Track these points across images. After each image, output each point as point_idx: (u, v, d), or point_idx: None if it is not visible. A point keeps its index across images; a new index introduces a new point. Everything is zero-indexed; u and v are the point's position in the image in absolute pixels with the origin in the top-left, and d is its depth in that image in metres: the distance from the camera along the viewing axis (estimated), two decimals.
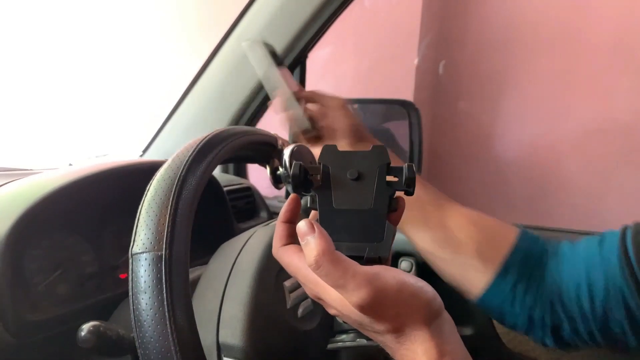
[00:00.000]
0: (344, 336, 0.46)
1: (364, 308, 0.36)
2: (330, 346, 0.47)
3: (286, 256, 0.42)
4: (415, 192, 0.43)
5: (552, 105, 1.86)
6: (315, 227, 0.37)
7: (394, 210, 0.42)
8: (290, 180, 0.70)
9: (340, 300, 0.38)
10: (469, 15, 2.00)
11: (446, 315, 0.40)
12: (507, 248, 0.62)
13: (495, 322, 1.05)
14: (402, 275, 0.38)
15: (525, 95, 1.91)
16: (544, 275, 0.60)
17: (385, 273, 0.37)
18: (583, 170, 1.78)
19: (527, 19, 1.87)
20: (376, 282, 0.36)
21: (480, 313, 1.05)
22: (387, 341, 0.39)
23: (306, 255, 0.37)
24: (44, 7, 1.85)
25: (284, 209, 0.45)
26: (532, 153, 1.91)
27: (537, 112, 1.89)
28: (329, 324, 0.67)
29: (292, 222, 0.45)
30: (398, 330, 0.38)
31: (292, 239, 0.44)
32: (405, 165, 0.43)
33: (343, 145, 0.72)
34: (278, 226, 0.45)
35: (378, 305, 0.36)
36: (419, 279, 0.39)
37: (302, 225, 0.38)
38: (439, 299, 0.39)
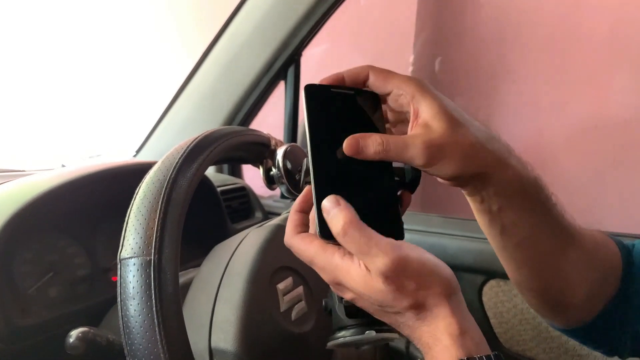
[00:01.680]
0: (343, 332, 0.45)
1: (387, 276, 0.37)
2: (330, 344, 0.46)
3: (303, 243, 0.42)
4: (537, 224, 0.47)
5: (548, 101, 1.85)
6: (340, 200, 0.39)
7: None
8: (284, 180, 0.69)
9: (362, 278, 0.38)
10: (464, 12, 1.99)
11: (461, 296, 0.40)
12: (616, 284, 0.54)
13: (492, 321, 1.04)
14: (421, 250, 0.39)
15: (521, 92, 1.91)
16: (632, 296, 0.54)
17: (408, 245, 0.38)
18: (579, 166, 1.78)
19: (522, 15, 1.86)
20: (400, 251, 0.37)
21: (478, 313, 1.05)
22: (407, 320, 0.39)
23: (333, 226, 0.38)
24: (35, 7, 1.83)
25: (299, 199, 0.45)
26: (527, 149, 1.90)
27: (533, 109, 1.89)
28: (324, 327, 0.66)
29: (306, 212, 0.45)
30: (419, 306, 0.38)
31: (306, 227, 0.44)
32: (408, 167, 0.43)
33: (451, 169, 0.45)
34: (293, 215, 0.44)
35: (402, 273, 0.37)
36: (436, 257, 0.40)
37: (326, 201, 0.39)
38: (455, 279, 0.39)
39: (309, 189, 0.44)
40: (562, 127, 1.82)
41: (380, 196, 0.42)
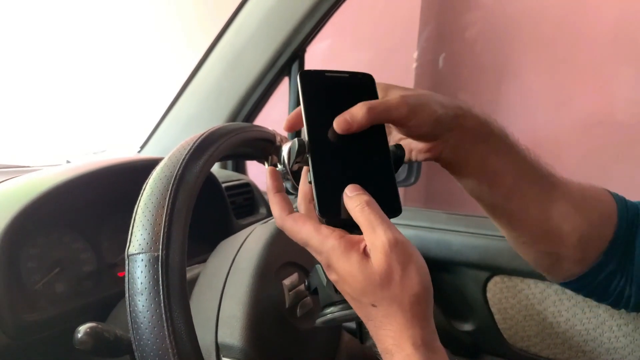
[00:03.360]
0: (332, 308, 0.46)
1: (390, 250, 0.39)
2: (319, 321, 0.47)
3: (296, 225, 0.43)
4: (517, 171, 0.52)
5: (552, 97, 1.85)
6: (361, 188, 0.42)
7: None
8: (289, 177, 0.70)
9: (357, 260, 0.40)
10: (468, 8, 1.98)
11: (431, 300, 0.41)
12: (609, 236, 0.56)
13: (496, 317, 1.04)
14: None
15: (525, 88, 1.90)
16: (634, 253, 0.56)
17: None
18: (583, 162, 1.78)
19: (526, 10, 1.86)
20: (403, 238, 0.40)
21: (482, 309, 1.05)
22: (377, 316, 0.40)
23: (352, 202, 0.41)
24: (41, 3, 1.83)
25: (271, 181, 0.46)
26: (531, 145, 1.90)
27: (537, 105, 1.88)
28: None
29: (282, 191, 0.46)
30: (393, 302, 0.39)
31: (291, 207, 0.45)
32: (394, 145, 0.45)
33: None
34: (275, 197, 0.46)
35: (399, 253, 0.39)
36: (421, 257, 0.41)
37: (350, 187, 0.42)
38: (429, 283, 0.41)
39: (271, 170, 0.46)
40: (566, 123, 1.82)
41: (377, 174, 0.44)
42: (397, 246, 0.39)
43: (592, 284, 0.58)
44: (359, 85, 0.46)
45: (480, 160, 0.52)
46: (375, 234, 0.39)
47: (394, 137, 0.53)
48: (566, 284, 0.60)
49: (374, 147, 0.44)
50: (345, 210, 0.41)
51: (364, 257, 0.40)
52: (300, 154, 0.43)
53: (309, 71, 0.45)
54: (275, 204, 0.45)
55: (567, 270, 0.58)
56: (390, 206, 0.42)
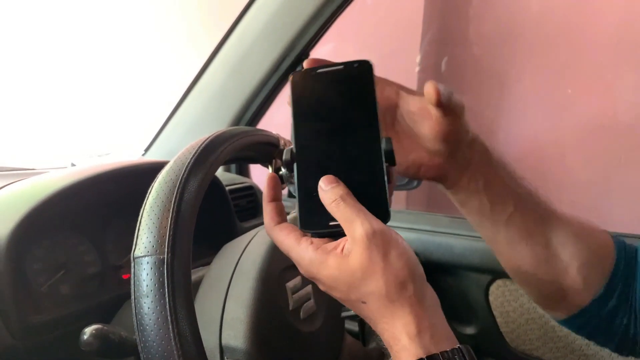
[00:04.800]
0: None
1: (369, 240, 0.38)
2: (344, 314, 0.47)
3: (282, 235, 0.44)
4: (517, 198, 0.52)
5: (554, 101, 1.85)
6: (337, 181, 0.41)
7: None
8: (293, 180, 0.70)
9: (336, 263, 0.39)
10: (471, 12, 1.99)
11: (429, 290, 0.41)
12: (609, 268, 0.55)
13: (498, 321, 1.04)
14: (401, 237, 0.41)
15: (528, 92, 1.90)
16: (636, 289, 0.56)
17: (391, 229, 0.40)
18: (585, 166, 1.77)
19: (529, 14, 1.86)
20: (384, 226, 0.40)
21: (483, 312, 1.05)
22: (370, 312, 0.40)
23: (327, 197, 0.40)
24: (46, 4, 1.84)
25: (267, 189, 0.46)
26: (534, 149, 1.90)
27: (540, 109, 1.88)
28: (332, 325, 0.67)
29: (277, 199, 0.46)
30: (383, 296, 0.38)
31: (282, 217, 0.45)
32: (383, 139, 0.42)
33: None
34: (267, 206, 0.46)
35: (379, 242, 0.38)
36: (409, 246, 0.41)
37: (324, 180, 0.41)
38: (419, 267, 0.40)
39: (271, 177, 0.46)
40: (569, 127, 1.82)
41: (368, 178, 0.42)
42: (375, 236, 0.38)
43: (595, 319, 0.56)
44: (354, 77, 0.44)
45: (484, 185, 0.53)
46: (353, 227, 0.39)
47: (407, 146, 0.53)
48: (569, 321, 0.59)
49: (366, 151, 0.42)
50: (332, 217, 0.41)
51: (342, 258, 0.39)
52: (288, 165, 0.43)
53: (299, 72, 0.44)
54: (266, 213, 0.46)
55: (570, 301, 0.57)
56: (376, 212, 0.40)
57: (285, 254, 0.44)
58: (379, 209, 0.41)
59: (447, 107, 0.46)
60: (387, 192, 0.41)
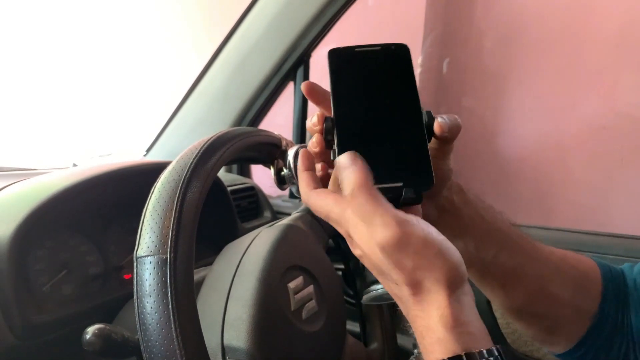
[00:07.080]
0: (379, 286, 0.45)
1: (385, 248, 0.36)
2: (365, 297, 0.46)
3: (319, 199, 0.42)
4: (503, 237, 0.50)
5: (556, 102, 1.85)
6: (357, 159, 0.39)
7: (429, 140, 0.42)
8: (295, 181, 0.70)
9: (367, 237, 0.37)
10: (472, 13, 1.99)
11: (468, 287, 0.39)
12: (598, 294, 0.55)
13: (499, 322, 1.04)
14: (432, 230, 0.38)
15: (530, 93, 1.90)
16: (630, 317, 0.55)
17: (417, 223, 0.37)
18: (587, 167, 1.77)
19: (530, 15, 1.86)
20: (404, 227, 0.36)
21: (485, 313, 1.05)
22: (403, 295, 0.38)
23: (344, 186, 0.38)
24: (48, 4, 1.85)
25: (302, 160, 0.45)
26: (536, 150, 1.90)
27: (542, 109, 1.88)
28: (333, 326, 0.67)
29: (312, 169, 0.45)
30: (415, 285, 0.37)
31: (318, 184, 0.44)
32: (424, 112, 0.42)
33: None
34: (303, 174, 0.44)
35: (399, 249, 0.36)
36: (448, 241, 0.38)
37: (343, 158, 0.39)
38: (463, 267, 0.38)
39: (305, 151, 0.44)
40: (571, 128, 1.82)
41: (409, 147, 0.41)
42: (393, 243, 0.36)
43: (593, 348, 0.56)
44: (394, 56, 0.44)
45: (472, 215, 0.51)
46: (370, 228, 0.37)
47: None
48: (569, 354, 0.58)
49: (407, 121, 0.42)
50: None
51: (372, 240, 0.37)
52: (329, 132, 0.42)
53: (338, 49, 0.44)
54: (302, 180, 0.44)
55: (567, 333, 0.56)
56: (420, 180, 0.40)
57: (324, 217, 0.42)
58: (425, 173, 0.40)
59: (439, 147, 0.45)
60: (430, 158, 0.41)
